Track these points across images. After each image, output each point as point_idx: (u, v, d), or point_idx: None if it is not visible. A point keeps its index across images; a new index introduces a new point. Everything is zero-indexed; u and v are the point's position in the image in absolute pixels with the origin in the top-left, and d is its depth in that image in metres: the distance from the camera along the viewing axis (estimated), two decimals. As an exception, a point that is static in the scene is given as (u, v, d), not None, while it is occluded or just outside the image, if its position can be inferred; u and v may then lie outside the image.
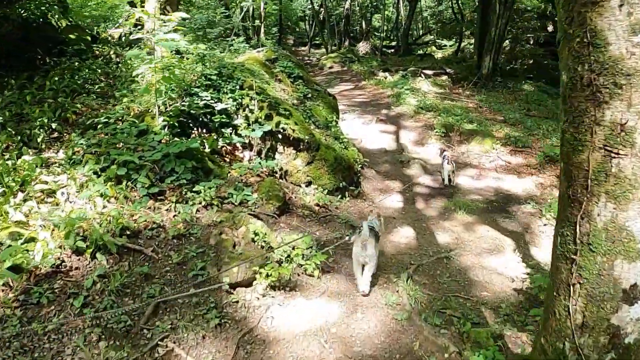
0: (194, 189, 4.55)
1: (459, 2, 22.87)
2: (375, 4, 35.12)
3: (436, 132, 9.45)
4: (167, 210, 4.30)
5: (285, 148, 5.98)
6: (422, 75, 15.49)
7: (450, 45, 26.27)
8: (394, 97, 12.80)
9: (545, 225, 5.98)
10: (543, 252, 5.15)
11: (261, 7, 28.82)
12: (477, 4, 17.79)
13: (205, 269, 3.70)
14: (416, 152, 8.97)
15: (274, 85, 6.68)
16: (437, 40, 29.10)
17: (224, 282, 3.56)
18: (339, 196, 6.05)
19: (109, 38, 8.89)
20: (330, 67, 22.02)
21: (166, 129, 5.18)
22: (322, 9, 29.75)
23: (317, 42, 33.07)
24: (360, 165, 6.82)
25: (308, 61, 26.43)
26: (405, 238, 5.43)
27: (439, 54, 25.12)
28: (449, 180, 7.00)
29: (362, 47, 27.29)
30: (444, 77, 16.08)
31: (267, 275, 3.64)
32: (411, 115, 10.93)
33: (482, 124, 9.98)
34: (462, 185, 7.38)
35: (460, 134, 9.45)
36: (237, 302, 3.55)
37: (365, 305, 3.82)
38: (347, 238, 4.33)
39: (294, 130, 5.86)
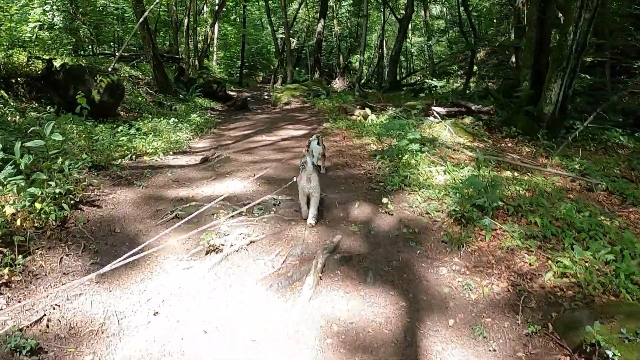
0: None
1: (469, 12, 15.94)
2: (355, 35, 29.43)
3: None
4: None
5: None
6: (435, 114, 8.39)
7: (442, 86, 19.74)
8: (385, 159, 5.49)
9: None
10: None
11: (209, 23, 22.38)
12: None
13: None
14: None
15: None
16: (426, 81, 22.79)
17: None
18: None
19: None
20: (287, 103, 14.90)
21: None
22: (286, 39, 23.31)
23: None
24: None
25: (267, 97, 20.01)
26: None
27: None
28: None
29: (339, 84, 21.52)
30: (468, 120, 9.05)
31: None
32: (454, 239, 3.56)
33: None
34: None
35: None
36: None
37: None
38: (294, 179, 4.27)
39: None
